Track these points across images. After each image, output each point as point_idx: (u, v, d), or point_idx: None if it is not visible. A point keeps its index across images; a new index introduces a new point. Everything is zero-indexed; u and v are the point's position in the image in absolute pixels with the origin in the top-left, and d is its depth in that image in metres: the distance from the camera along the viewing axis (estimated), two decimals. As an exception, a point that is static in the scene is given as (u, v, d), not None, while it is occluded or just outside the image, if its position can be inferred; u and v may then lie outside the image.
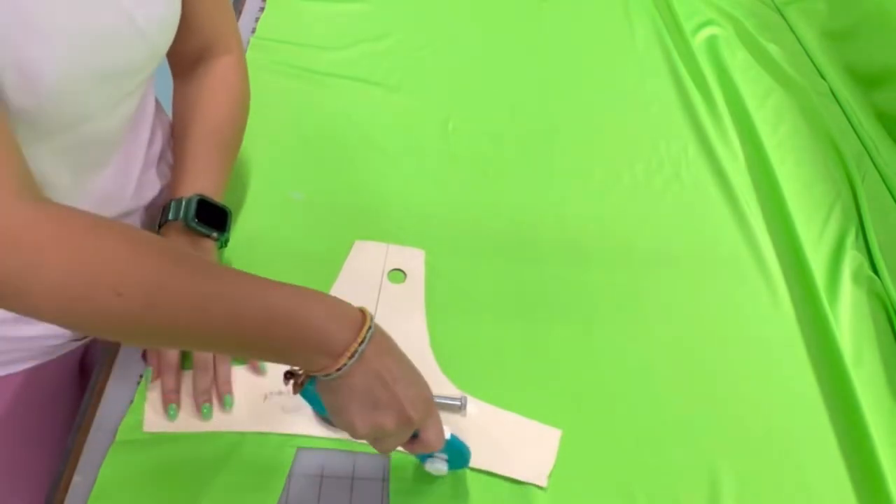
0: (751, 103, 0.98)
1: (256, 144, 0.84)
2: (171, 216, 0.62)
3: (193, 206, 0.62)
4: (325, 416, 0.57)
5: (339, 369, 0.44)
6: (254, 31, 0.99)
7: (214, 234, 0.64)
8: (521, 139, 0.91)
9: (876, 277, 0.80)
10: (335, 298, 0.46)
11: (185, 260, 0.45)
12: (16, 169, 0.42)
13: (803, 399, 0.70)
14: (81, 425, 0.60)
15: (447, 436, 0.52)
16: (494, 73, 1.01)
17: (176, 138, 0.68)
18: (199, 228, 0.62)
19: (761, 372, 0.71)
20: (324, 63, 0.96)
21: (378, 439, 0.49)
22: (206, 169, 0.66)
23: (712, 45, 1.08)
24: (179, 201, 0.62)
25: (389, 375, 0.46)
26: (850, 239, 0.83)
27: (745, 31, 1.12)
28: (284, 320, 0.44)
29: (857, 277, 0.80)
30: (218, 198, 0.66)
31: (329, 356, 0.44)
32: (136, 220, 0.66)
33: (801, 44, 1.13)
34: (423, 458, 0.55)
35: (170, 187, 0.66)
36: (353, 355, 0.44)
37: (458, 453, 0.55)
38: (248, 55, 0.94)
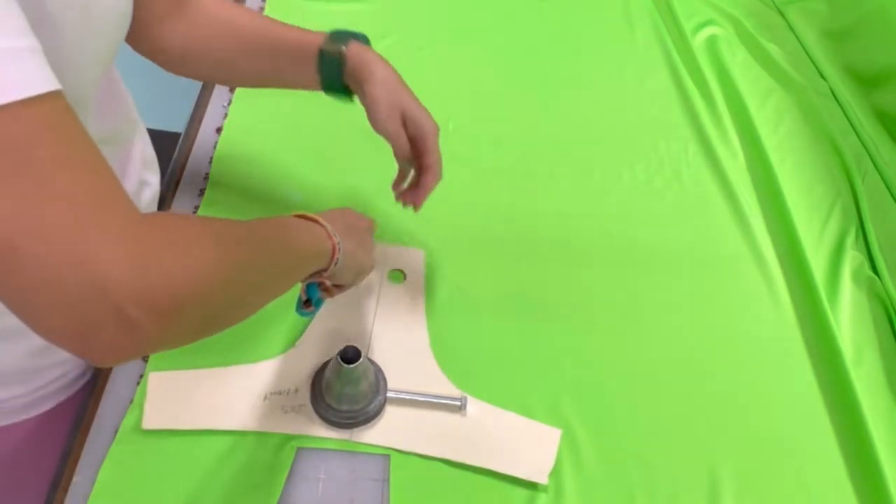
0: (751, 103, 0.98)
1: (256, 144, 0.84)
2: (350, 36, 0.68)
3: (350, 32, 0.68)
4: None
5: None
6: (254, 31, 0.99)
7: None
8: (521, 139, 0.91)
9: (876, 277, 0.80)
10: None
11: (251, 236, 0.45)
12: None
13: (803, 399, 0.70)
14: (81, 425, 0.60)
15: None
16: (494, 73, 1.01)
17: (237, 49, 0.70)
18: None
19: (761, 372, 0.71)
20: (324, 63, 0.96)
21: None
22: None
23: (712, 44, 1.08)
24: (335, 34, 0.68)
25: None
26: (850, 239, 0.84)
27: (745, 31, 1.12)
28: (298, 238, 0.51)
29: (857, 277, 0.80)
30: None
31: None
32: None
33: (801, 44, 1.13)
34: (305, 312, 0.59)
35: (296, 48, 0.72)
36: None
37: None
38: (248, 55, 0.94)
